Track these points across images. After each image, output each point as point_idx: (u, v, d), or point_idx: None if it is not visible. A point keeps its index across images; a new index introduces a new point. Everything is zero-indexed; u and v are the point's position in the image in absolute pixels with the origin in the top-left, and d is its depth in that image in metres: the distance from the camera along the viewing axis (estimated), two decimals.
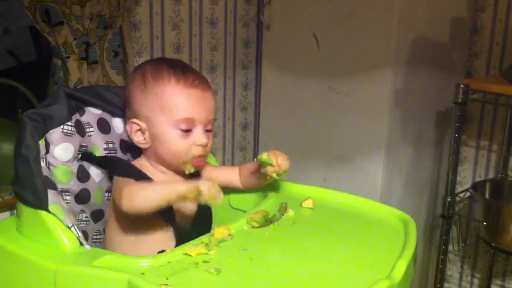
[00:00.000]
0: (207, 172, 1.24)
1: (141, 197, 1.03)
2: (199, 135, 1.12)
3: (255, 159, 1.17)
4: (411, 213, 1.19)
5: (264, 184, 1.25)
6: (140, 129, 1.14)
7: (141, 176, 1.12)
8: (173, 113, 1.11)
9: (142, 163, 1.18)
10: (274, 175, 1.16)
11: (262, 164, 1.16)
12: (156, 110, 1.11)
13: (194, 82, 1.13)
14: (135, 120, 1.14)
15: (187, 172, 1.14)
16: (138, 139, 1.15)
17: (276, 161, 1.15)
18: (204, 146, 1.13)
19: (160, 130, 1.12)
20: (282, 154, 1.17)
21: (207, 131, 1.15)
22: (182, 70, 1.14)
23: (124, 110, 1.20)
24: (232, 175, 1.25)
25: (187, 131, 1.12)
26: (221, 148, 2.23)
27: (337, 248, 1.05)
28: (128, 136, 1.18)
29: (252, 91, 2.28)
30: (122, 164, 1.17)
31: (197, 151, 1.13)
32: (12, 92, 1.81)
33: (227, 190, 1.27)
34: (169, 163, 1.16)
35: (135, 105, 1.14)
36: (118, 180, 1.11)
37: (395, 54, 1.85)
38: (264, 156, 1.15)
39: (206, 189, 0.99)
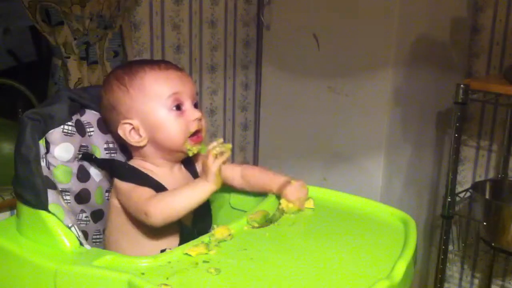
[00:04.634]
0: None
1: (172, 212, 1.06)
2: (190, 110, 1.13)
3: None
4: (411, 213, 1.19)
5: None
6: (133, 128, 1.14)
7: (147, 179, 1.12)
8: (160, 95, 1.12)
9: (139, 163, 1.17)
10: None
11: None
12: (143, 101, 1.12)
13: (167, 65, 1.16)
14: (125, 120, 1.13)
15: (191, 154, 1.15)
16: (134, 138, 1.14)
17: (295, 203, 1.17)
18: (199, 119, 1.14)
19: (155, 117, 1.12)
20: (298, 188, 1.18)
21: (195, 107, 1.16)
22: (150, 60, 1.18)
23: (108, 120, 1.18)
24: (232, 174, 1.25)
25: (178, 109, 1.12)
26: None
27: (337, 248, 1.05)
28: (120, 141, 1.18)
29: (252, 91, 2.29)
30: (125, 167, 1.16)
31: (193, 126, 1.13)
32: (12, 92, 1.82)
33: (226, 189, 1.28)
34: (170, 149, 1.15)
35: (121, 107, 1.13)
36: (125, 185, 1.11)
37: (395, 54, 1.85)
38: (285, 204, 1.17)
39: (217, 165, 1.06)
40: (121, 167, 1.16)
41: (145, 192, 1.09)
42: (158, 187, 1.12)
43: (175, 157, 1.18)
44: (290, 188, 1.17)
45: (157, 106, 1.12)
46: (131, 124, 1.13)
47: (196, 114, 1.13)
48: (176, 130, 1.12)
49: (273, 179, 1.21)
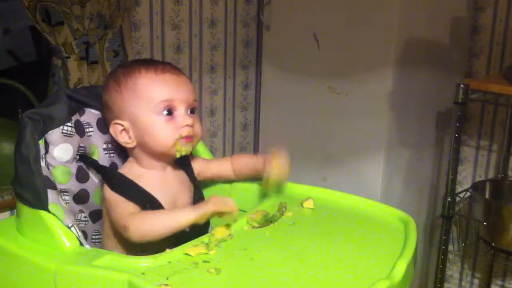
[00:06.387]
0: (199, 165, 1.24)
1: (150, 232, 1.05)
2: (182, 116, 1.12)
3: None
4: (411, 213, 1.19)
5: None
6: (124, 129, 1.13)
7: (136, 191, 1.11)
8: (151, 100, 1.10)
9: (131, 167, 1.16)
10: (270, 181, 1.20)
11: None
12: (134, 103, 1.11)
13: (165, 68, 1.14)
14: (117, 121, 1.13)
15: (178, 156, 1.13)
16: (124, 139, 1.14)
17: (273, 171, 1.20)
18: (190, 126, 1.12)
19: (144, 121, 1.11)
20: (281, 161, 1.22)
21: (192, 114, 1.14)
22: (151, 61, 1.17)
23: (104, 118, 1.19)
24: (224, 168, 1.28)
25: (170, 114, 1.11)
26: (221, 148, 2.23)
27: (337, 248, 1.05)
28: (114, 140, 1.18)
29: (252, 91, 2.29)
30: (116, 177, 1.14)
31: (184, 132, 1.12)
32: (12, 92, 1.82)
33: (226, 188, 1.29)
34: (160, 153, 1.14)
35: (114, 107, 1.14)
36: (113, 196, 1.10)
37: (395, 54, 1.85)
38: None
39: (214, 208, 1.04)
40: (112, 176, 1.15)
41: (130, 207, 1.08)
42: (147, 198, 1.11)
43: (165, 159, 1.17)
44: (271, 166, 1.20)
45: (147, 110, 1.11)
46: (122, 125, 1.13)
47: (187, 120, 1.12)
48: (164, 135, 1.11)
49: (257, 161, 1.24)
